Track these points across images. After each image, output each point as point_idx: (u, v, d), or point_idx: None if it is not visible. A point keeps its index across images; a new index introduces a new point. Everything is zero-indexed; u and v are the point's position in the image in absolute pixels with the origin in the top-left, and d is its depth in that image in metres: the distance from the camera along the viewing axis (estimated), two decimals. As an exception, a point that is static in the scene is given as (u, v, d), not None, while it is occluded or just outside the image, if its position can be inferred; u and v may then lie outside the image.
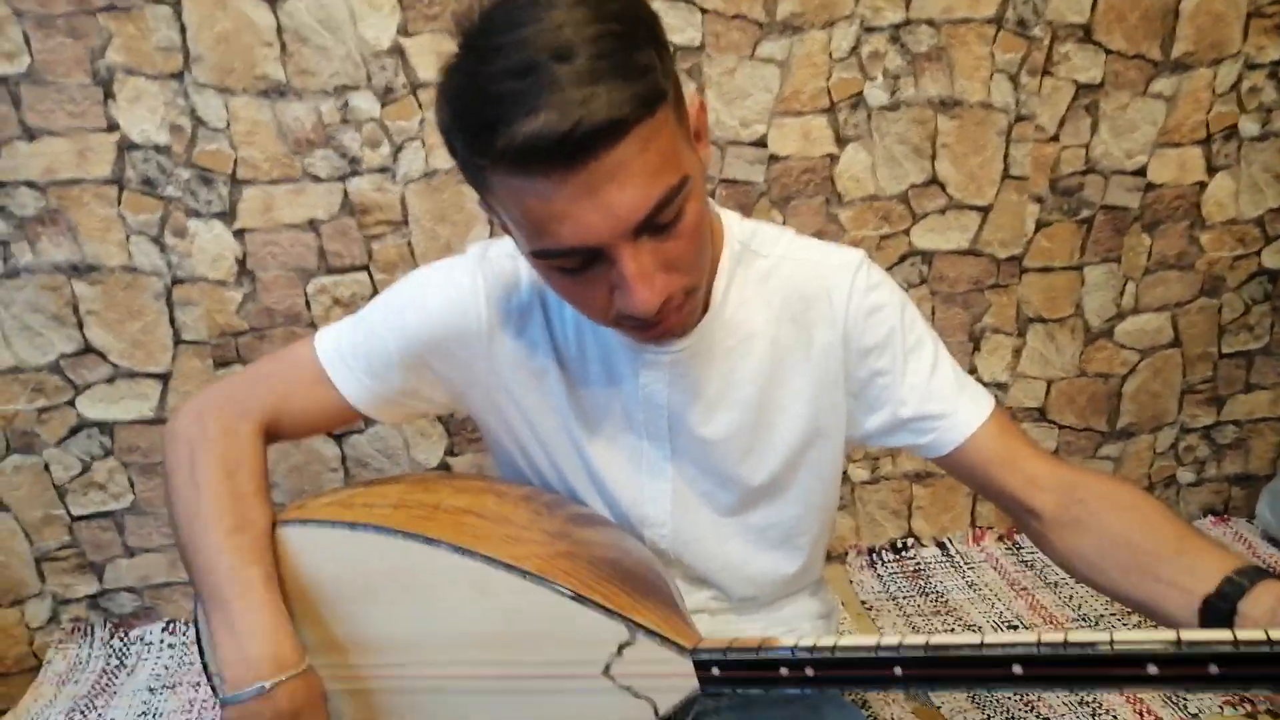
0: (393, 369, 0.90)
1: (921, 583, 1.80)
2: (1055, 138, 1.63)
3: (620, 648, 0.80)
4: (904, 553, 1.90)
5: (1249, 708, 1.37)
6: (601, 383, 0.91)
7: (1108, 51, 1.59)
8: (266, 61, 1.34)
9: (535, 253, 0.71)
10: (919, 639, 0.70)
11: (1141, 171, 1.69)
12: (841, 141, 1.55)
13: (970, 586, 1.78)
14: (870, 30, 1.49)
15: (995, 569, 1.84)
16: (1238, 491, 2.03)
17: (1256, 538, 1.97)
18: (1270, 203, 1.78)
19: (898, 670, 0.70)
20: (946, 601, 1.73)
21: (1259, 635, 0.59)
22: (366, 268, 1.48)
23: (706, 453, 0.92)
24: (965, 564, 1.86)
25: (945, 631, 1.66)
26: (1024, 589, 1.77)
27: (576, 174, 0.63)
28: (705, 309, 0.85)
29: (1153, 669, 0.63)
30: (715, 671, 0.77)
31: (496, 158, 0.64)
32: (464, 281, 0.89)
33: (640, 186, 0.65)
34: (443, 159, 1.43)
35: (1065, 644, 0.66)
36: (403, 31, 1.36)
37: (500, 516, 0.95)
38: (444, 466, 1.62)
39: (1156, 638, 0.63)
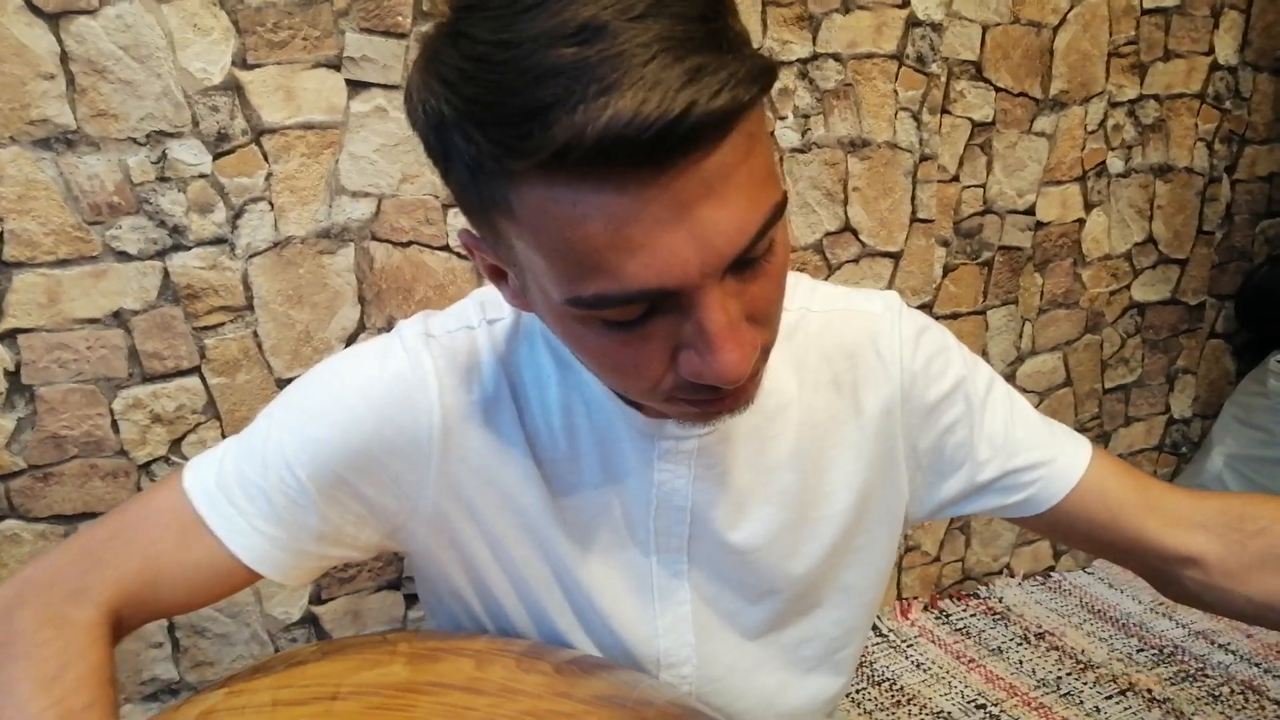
0: (305, 508, 0.64)
1: (867, 671, 1.62)
2: (956, 178, 1.57)
3: None
4: (837, 638, 1.72)
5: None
6: (598, 486, 0.69)
7: (996, 89, 1.56)
8: (46, 100, 0.98)
9: (580, 299, 0.48)
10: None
11: (1031, 210, 1.67)
12: (755, 188, 1.40)
13: (918, 667, 1.63)
14: (779, 65, 1.36)
15: (933, 642, 1.70)
16: (1124, 525, 2.03)
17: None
18: (1136, 237, 1.81)
19: None
20: (903, 689, 1.56)
21: None
22: (198, 370, 1.12)
23: (735, 564, 0.72)
24: (902, 641, 1.70)
25: (919, 724, 1.48)
26: (971, 660, 1.64)
27: (664, 181, 0.44)
28: None
29: None
30: None
31: (546, 159, 0.42)
32: (403, 369, 0.64)
33: (744, 204, 0.47)
34: (296, 224, 1.12)
35: None
36: (240, 63, 1.06)
37: (483, 683, 0.68)
38: (310, 619, 1.26)
39: None
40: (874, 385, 0.71)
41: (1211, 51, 1.76)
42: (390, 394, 0.63)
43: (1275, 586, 0.67)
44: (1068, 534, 0.75)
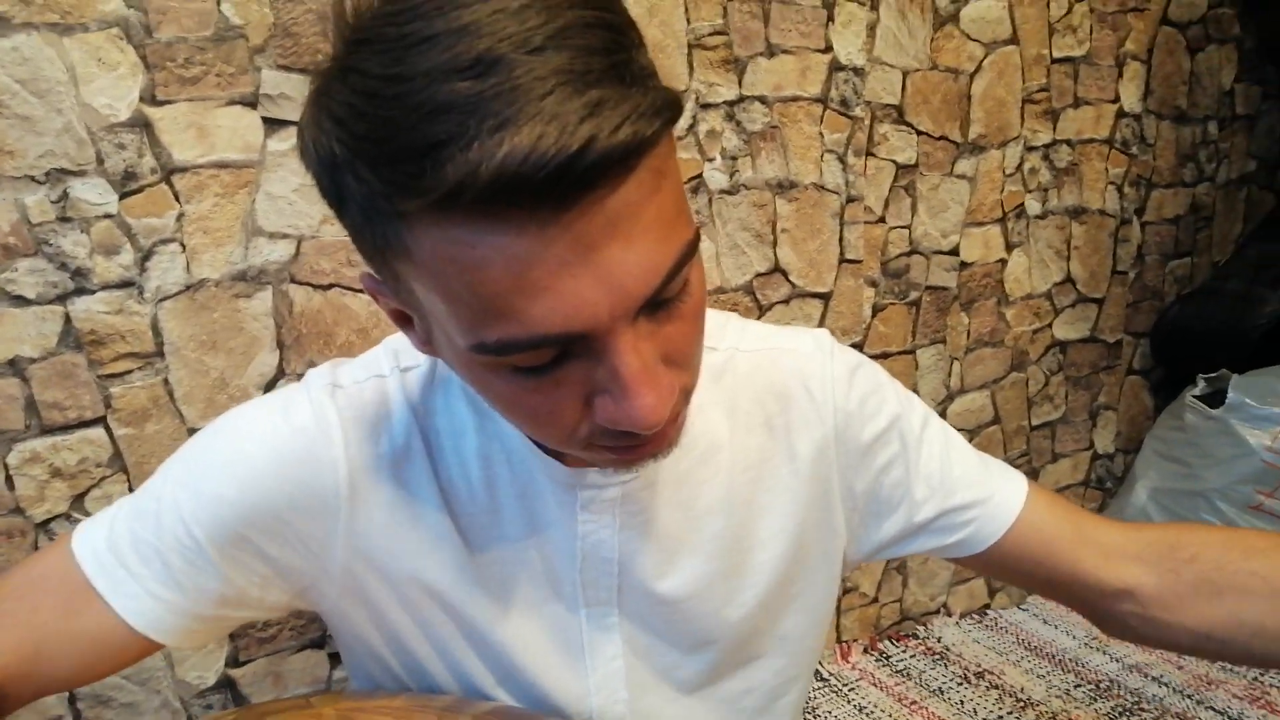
0: (204, 570, 0.60)
1: (810, 718, 1.59)
2: (882, 218, 1.59)
3: None
4: (778, 685, 1.69)
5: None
6: (519, 539, 0.66)
7: (918, 132, 1.59)
8: (-64, 137, 0.93)
9: (484, 346, 0.46)
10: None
11: (955, 251, 1.70)
12: (685, 229, 1.39)
13: (861, 711, 1.60)
14: (706, 107, 1.37)
15: (874, 685, 1.68)
16: (1055, 560, 2.05)
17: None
18: (1055, 277, 1.86)
19: None
20: (846, 734, 1.54)
21: None
22: (103, 420, 1.06)
23: (667, 615, 0.70)
24: (844, 685, 1.68)
25: (863, 770, 1.46)
26: (914, 702, 1.63)
27: (567, 220, 0.41)
28: None
29: None
30: None
31: (439, 199, 0.40)
32: (307, 423, 0.61)
33: (654, 243, 0.44)
34: (210, 266, 1.08)
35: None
36: (149, 99, 1.01)
37: None
38: (226, 684, 1.18)
39: None
40: (806, 426, 0.69)
41: (1117, 99, 1.84)
42: (293, 448, 0.59)
43: (1210, 614, 0.67)
44: (1005, 572, 0.73)
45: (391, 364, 0.63)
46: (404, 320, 0.54)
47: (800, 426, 0.69)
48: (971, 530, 0.71)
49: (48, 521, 1.05)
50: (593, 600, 0.67)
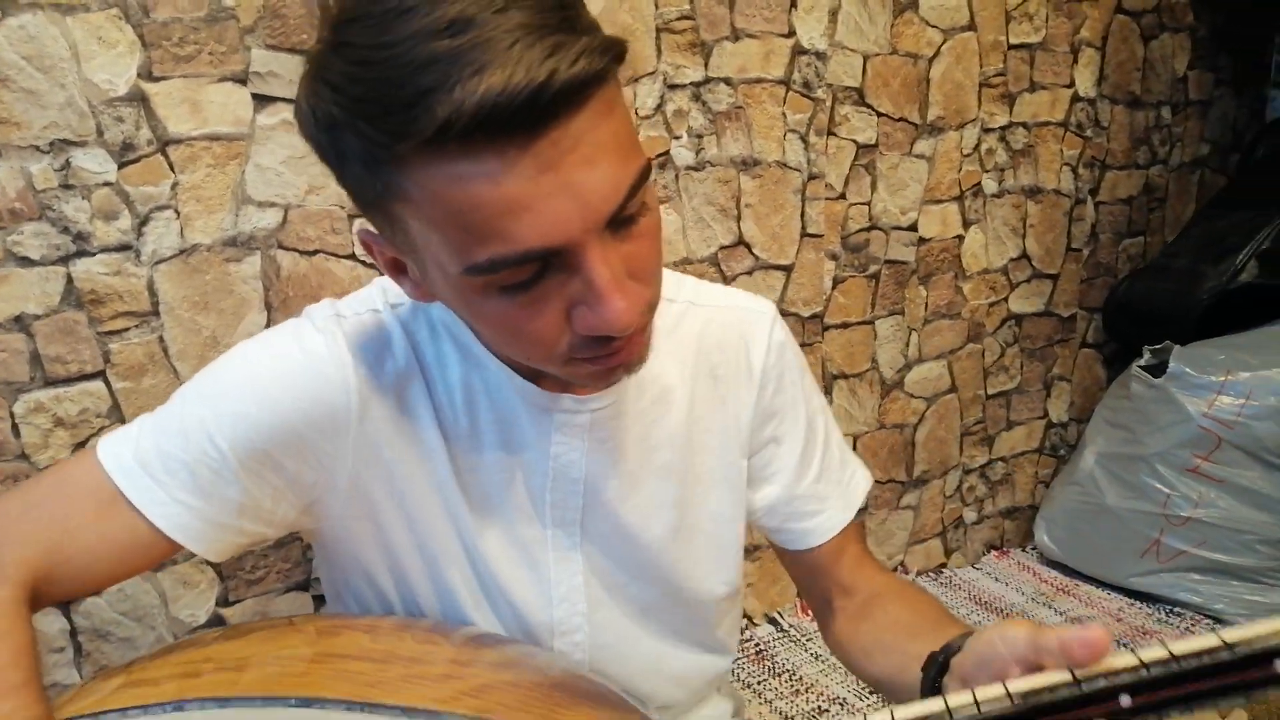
0: (227, 480, 0.67)
1: (769, 664, 1.69)
2: (842, 195, 1.67)
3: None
4: (741, 636, 1.79)
5: None
6: (497, 458, 0.74)
7: (878, 114, 1.67)
8: (-52, 109, 1.00)
9: (476, 266, 0.54)
10: (995, 690, 0.58)
11: (914, 227, 1.78)
12: (652, 203, 1.47)
13: (817, 659, 1.70)
14: (673, 88, 1.45)
15: (832, 636, 1.78)
16: (1009, 524, 2.16)
17: (1037, 563, 2.10)
18: (1010, 253, 1.95)
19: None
20: (801, 679, 1.64)
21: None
22: (103, 374, 1.14)
23: (625, 538, 0.78)
24: (802, 636, 1.78)
25: (816, 712, 1.56)
26: (867, 651, 1.72)
27: (537, 146, 0.50)
28: None
29: (1280, 665, 0.55)
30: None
31: (430, 138, 0.49)
32: (318, 347, 0.69)
33: (611, 164, 0.53)
34: (203, 232, 1.16)
35: (1175, 659, 0.57)
36: (145, 75, 1.09)
37: (387, 655, 0.73)
38: (217, 621, 1.27)
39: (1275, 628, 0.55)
40: (740, 382, 0.79)
41: (1073, 84, 1.92)
42: (308, 369, 0.67)
43: (858, 640, 0.82)
44: (802, 572, 0.89)
45: (383, 300, 0.72)
46: (399, 269, 0.62)
47: (735, 380, 0.79)
48: (811, 524, 0.84)
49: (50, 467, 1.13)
50: (559, 520, 0.75)
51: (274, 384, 0.66)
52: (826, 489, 0.84)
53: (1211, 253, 1.89)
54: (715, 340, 0.78)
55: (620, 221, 0.55)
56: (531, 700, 0.66)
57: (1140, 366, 1.89)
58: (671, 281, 0.79)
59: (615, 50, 0.52)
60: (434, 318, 0.72)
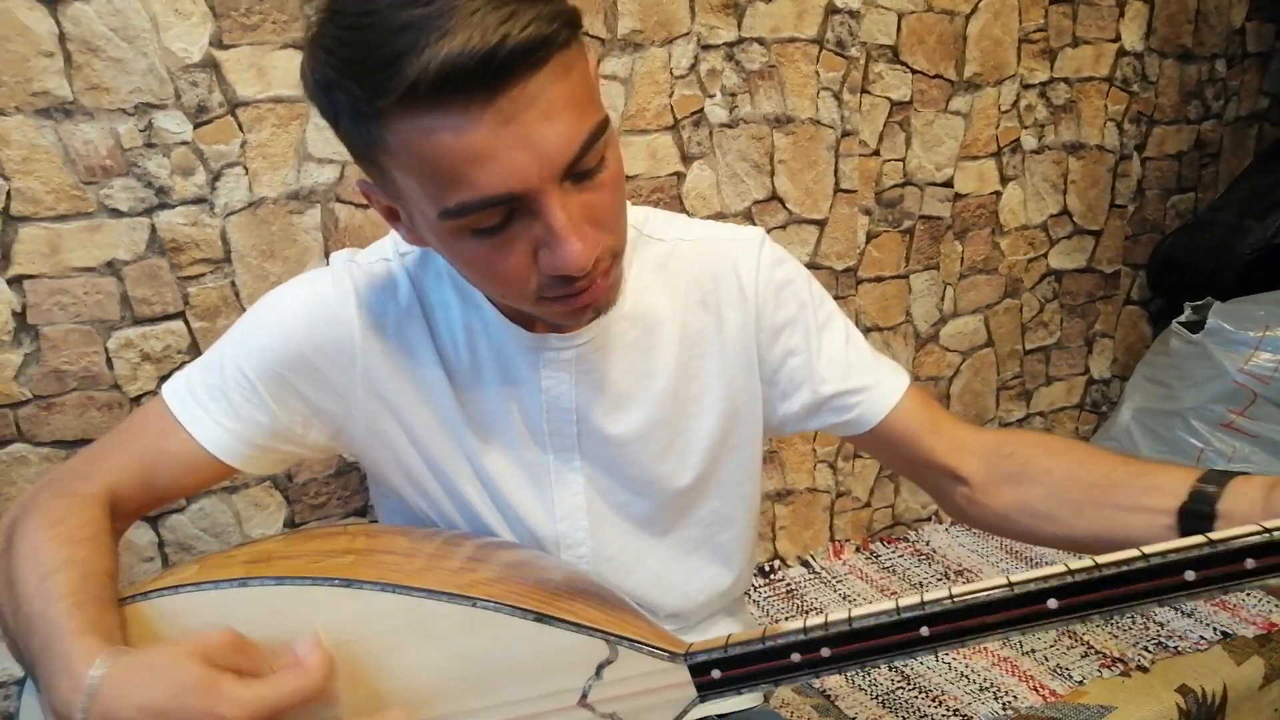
0: (257, 405, 0.79)
1: (797, 602, 1.78)
2: (876, 152, 1.72)
3: (599, 668, 0.69)
4: (773, 575, 1.87)
5: (1122, 667, 1.44)
6: (497, 391, 0.83)
7: (913, 71, 1.71)
8: (46, 75, 1.13)
9: (448, 210, 0.62)
10: (939, 592, 0.66)
11: (949, 183, 1.82)
12: (687, 160, 1.54)
13: (845, 599, 1.78)
14: (707, 48, 1.51)
15: (861, 578, 1.85)
16: (1050, 479, 2.18)
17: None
18: (1050, 209, 1.96)
19: (924, 630, 0.65)
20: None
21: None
22: (182, 314, 1.27)
23: (620, 456, 0.86)
24: (833, 578, 1.86)
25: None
26: (894, 593, 1.79)
27: (498, 103, 0.57)
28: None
29: (1190, 575, 0.61)
30: (715, 674, 0.68)
31: (403, 95, 0.56)
32: (326, 289, 0.80)
33: (567, 120, 0.60)
34: (269, 186, 1.28)
35: (1098, 567, 0.63)
36: (216, 43, 1.21)
37: (413, 551, 0.84)
38: (285, 541, 1.41)
39: (1186, 544, 0.61)
40: (733, 305, 0.85)
41: (1118, 39, 1.91)
42: (315, 307, 0.78)
43: (1014, 499, 0.81)
44: (890, 453, 0.89)
45: (394, 250, 0.82)
46: (393, 216, 0.72)
47: (728, 304, 0.85)
48: (860, 411, 0.87)
49: (139, 397, 1.28)
50: (558, 446, 0.85)
51: (290, 319, 0.78)
52: (864, 373, 0.87)
53: (1258, 207, 1.88)
54: (705, 270, 0.85)
55: (580, 174, 0.63)
56: (536, 591, 0.76)
57: (1179, 323, 1.90)
58: (662, 221, 0.87)
59: (566, 17, 0.59)
60: (440, 266, 0.81)
